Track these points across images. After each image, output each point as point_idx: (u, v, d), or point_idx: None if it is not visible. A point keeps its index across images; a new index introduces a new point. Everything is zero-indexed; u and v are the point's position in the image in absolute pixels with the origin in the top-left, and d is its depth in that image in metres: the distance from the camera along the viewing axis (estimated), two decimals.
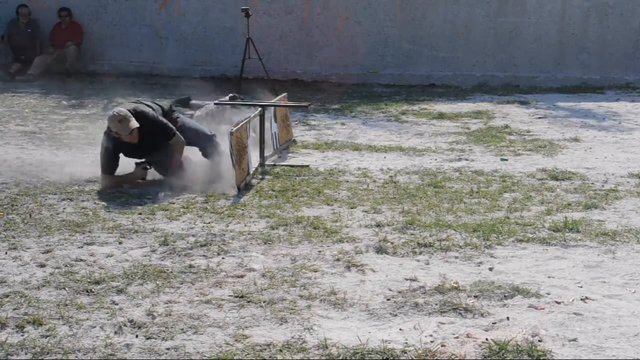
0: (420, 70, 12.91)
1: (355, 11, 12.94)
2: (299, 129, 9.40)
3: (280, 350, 3.72)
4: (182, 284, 4.53)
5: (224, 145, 6.77)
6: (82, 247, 5.17)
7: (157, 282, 4.52)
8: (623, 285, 4.51)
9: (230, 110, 8.05)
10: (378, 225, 5.59)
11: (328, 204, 6.16)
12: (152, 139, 6.68)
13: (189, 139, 6.93)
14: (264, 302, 4.26)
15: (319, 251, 5.08)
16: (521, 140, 8.70)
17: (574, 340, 3.80)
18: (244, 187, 6.57)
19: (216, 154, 6.88)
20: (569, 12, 12.62)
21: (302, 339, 3.84)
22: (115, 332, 3.90)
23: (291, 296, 4.35)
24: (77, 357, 3.66)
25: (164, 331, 3.91)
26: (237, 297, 4.33)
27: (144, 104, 6.95)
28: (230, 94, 8.43)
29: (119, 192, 6.52)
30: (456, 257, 4.96)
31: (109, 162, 6.67)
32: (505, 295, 4.34)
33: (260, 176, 7.07)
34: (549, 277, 4.63)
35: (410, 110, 10.65)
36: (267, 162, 7.47)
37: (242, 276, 4.65)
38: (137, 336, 3.85)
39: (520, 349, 3.68)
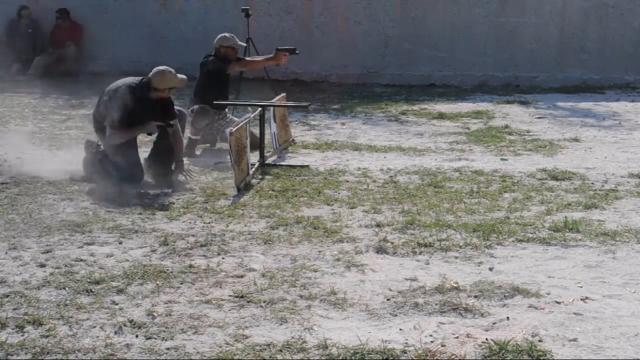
0: (420, 70, 12.91)
1: (356, 11, 12.94)
2: (299, 129, 9.41)
3: (280, 350, 3.72)
4: (182, 284, 4.53)
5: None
6: (82, 247, 5.17)
7: (157, 282, 4.52)
8: (623, 285, 4.51)
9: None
10: (378, 225, 5.59)
11: (328, 204, 6.16)
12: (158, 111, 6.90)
13: None
14: (264, 302, 4.26)
15: (319, 251, 5.08)
16: (521, 140, 8.70)
17: (574, 340, 3.80)
18: (243, 187, 6.57)
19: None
20: (569, 12, 12.61)
21: (302, 339, 3.84)
22: (115, 332, 3.90)
23: (291, 296, 4.35)
24: (77, 357, 3.66)
25: (164, 331, 3.90)
26: (237, 297, 4.33)
27: None
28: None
29: (119, 192, 6.52)
30: (456, 257, 4.96)
31: (125, 117, 6.69)
32: (505, 295, 4.34)
33: (260, 176, 7.07)
34: (549, 277, 4.63)
35: (410, 110, 10.65)
36: (266, 162, 7.47)
37: (242, 276, 4.64)
38: (137, 336, 3.85)
39: (520, 349, 3.68)
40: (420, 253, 5.05)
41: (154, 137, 7.22)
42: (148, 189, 6.66)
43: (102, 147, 6.98)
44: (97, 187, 6.65)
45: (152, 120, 6.87)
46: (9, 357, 3.66)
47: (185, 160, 7.69)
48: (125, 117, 6.71)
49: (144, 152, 7.45)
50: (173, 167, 7.00)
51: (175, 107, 7.27)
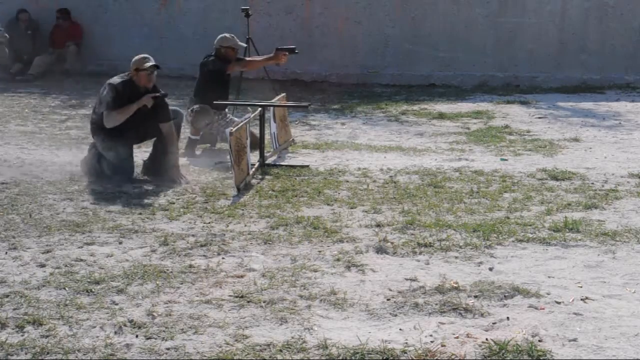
0: (420, 70, 12.91)
1: (356, 11, 12.94)
2: (299, 129, 9.41)
3: (280, 350, 3.72)
4: (182, 284, 4.53)
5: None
6: (82, 247, 5.17)
7: (157, 282, 4.52)
8: (623, 285, 4.51)
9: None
10: (378, 225, 5.59)
11: (328, 204, 6.16)
12: (153, 111, 7.00)
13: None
14: (264, 302, 4.26)
15: (319, 251, 5.08)
16: (521, 140, 8.70)
17: (574, 340, 3.80)
18: (243, 187, 6.57)
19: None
20: (569, 12, 12.61)
21: (302, 339, 3.84)
22: (115, 332, 3.90)
23: (291, 296, 4.35)
24: (77, 357, 3.66)
25: (164, 331, 3.90)
26: (237, 297, 4.33)
27: None
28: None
29: (119, 192, 6.53)
30: (456, 257, 4.96)
31: (117, 99, 6.82)
32: (505, 295, 4.34)
33: (260, 176, 7.07)
34: (549, 277, 4.63)
35: (410, 110, 10.65)
36: (266, 162, 7.47)
37: (242, 276, 4.64)
38: (137, 336, 3.85)
39: (520, 349, 3.68)
40: (420, 253, 5.04)
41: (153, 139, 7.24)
42: (148, 188, 6.67)
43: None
44: (97, 187, 6.66)
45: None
46: (9, 357, 3.66)
47: (185, 160, 7.71)
48: (118, 99, 6.83)
49: (144, 153, 7.47)
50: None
51: (172, 107, 7.30)
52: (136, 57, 7.05)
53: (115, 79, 6.99)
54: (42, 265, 4.81)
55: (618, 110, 10.59)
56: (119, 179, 6.85)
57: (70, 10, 13.49)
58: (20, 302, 4.25)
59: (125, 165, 7.00)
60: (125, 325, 3.96)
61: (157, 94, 6.98)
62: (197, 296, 4.35)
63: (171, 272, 4.70)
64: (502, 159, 7.78)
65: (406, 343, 3.78)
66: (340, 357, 3.65)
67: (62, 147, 8.31)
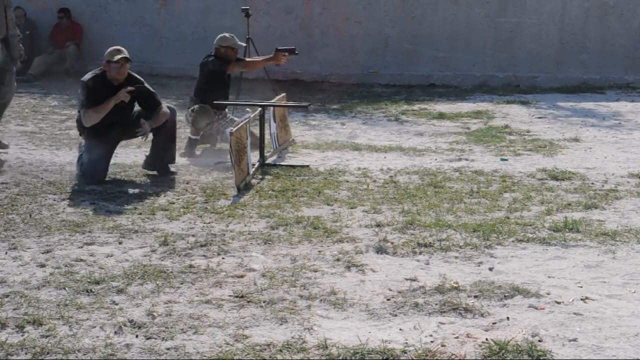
0: (420, 70, 12.91)
1: (355, 11, 12.94)
2: (299, 129, 9.41)
3: (280, 350, 3.72)
4: (182, 284, 4.53)
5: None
6: (82, 247, 5.17)
7: (157, 282, 4.52)
8: (623, 285, 4.51)
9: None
10: (378, 225, 5.59)
11: (328, 204, 6.16)
12: (136, 101, 6.99)
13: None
14: (264, 302, 4.26)
15: (319, 251, 5.08)
16: (521, 140, 8.70)
17: (574, 340, 3.80)
18: (243, 187, 6.57)
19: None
20: (569, 12, 12.61)
21: (302, 339, 3.84)
22: (115, 332, 3.90)
23: (291, 296, 4.35)
24: (77, 357, 3.66)
25: (164, 331, 3.90)
26: (237, 297, 4.33)
27: None
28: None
29: (119, 192, 6.53)
30: (456, 257, 4.96)
31: (90, 96, 6.76)
32: (505, 295, 4.34)
33: (260, 176, 7.07)
34: (549, 277, 4.63)
35: (410, 110, 10.65)
36: (266, 162, 7.47)
37: (242, 276, 4.65)
38: (137, 336, 3.85)
39: (520, 349, 3.68)
40: (420, 253, 5.04)
41: (152, 136, 7.23)
42: (148, 188, 6.67)
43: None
44: (97, 187, 6.66)
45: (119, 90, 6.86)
46: (9, 357, 3.66)
47: (185, 160, 7.72)
48: (91, 96, 6.76)
49: (144, 152, 7.46)
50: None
51: (167, 105, 7.27)
52: (109, 49, 6.96)
53: (87, 75, 6.91)
54: (42, 265, 4.81)
55: (618, 110, 10.59)
56: (87, 181, 6.75)
57: (70, 9, 13.50)
58: (20, 302, 4.25)
59: (96, 167, 6.81)
60: (125, 325, 3.96)
61: (132, 87, 6.87)
62: (197, 296, 4.35)
63: (171, 272, 4.70)
64: (502, 159, 7.78)
65: (406, 343, 3.78)
66: (340, 357, 3.65)
67: (62, 147, 8.32)
